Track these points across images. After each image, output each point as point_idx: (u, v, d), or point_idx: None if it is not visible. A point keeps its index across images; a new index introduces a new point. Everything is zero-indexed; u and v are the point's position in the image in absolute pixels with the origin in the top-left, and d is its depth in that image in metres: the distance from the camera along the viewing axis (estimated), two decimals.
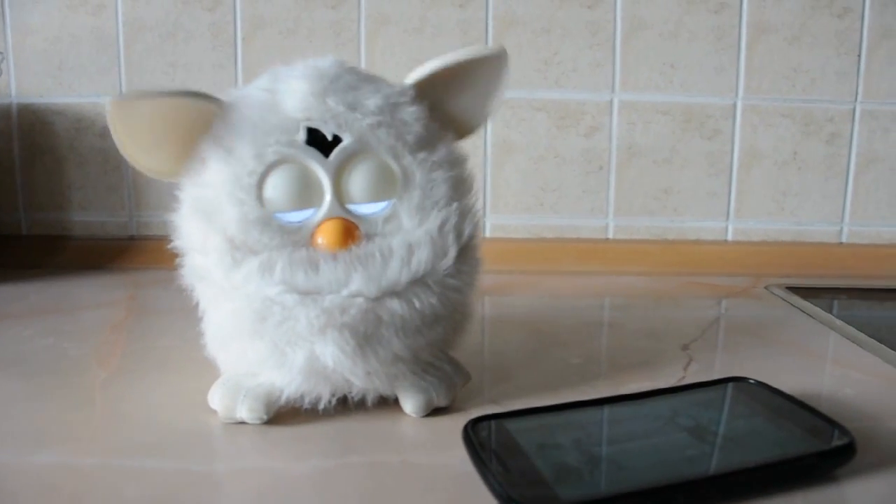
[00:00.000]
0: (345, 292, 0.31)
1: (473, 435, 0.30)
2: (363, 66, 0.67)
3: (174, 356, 0.43)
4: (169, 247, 0.35)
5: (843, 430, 0.30)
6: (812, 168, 0.69)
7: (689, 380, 0.40)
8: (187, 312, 0.36)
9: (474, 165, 0.67)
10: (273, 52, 0.67)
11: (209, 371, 0.36)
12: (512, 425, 0.31)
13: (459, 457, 0.29)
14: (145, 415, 0.35)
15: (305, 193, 0.33)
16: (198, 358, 0.36)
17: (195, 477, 0.29)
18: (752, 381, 0.36)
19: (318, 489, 0.28)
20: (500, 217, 0.70)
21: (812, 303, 0.57)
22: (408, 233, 0.33)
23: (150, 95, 0.33)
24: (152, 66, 0.68)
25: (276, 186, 0.32)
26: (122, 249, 0.69)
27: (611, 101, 0.68)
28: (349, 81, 0.33)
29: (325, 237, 0.32)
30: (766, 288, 0.62)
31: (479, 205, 0.37)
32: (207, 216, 0.33)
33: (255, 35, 0.67)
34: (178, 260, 0.35)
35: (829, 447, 0.29)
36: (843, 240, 0.70)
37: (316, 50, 0.67)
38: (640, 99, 0.68)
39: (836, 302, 0.61)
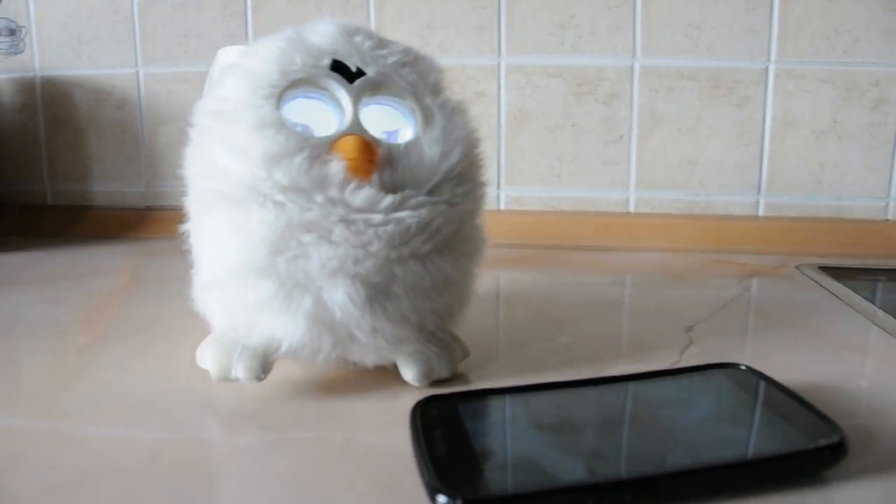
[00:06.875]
0: (362, 249, 0.30)
1: (419, 416, 0.28)
2: None
3: (161, 324, 0.43)
4: (177, 172, 0.34)
5: (835, 427, 0.27)
6: (854, 137, 0.64)
7: (683, 364, 0.37)
8: (189, 282, 0.35)
9: (487, 135, 0.66)
10: (283, 21, 0.66)
11: (193, 340, 0.35)
12: (463, 407, 0.29)
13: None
14: (111, 381, 0.35)
15: (326, 112, 0.32)
16: (184, 327, 0.35)
17: (134, 444, 0.29)
18: (742, 367, 0.33)
19: (256, 462, 0.27)
20: (515, 189, 0.67)
21: (846, 285, 0.52)
22: (430, 174, 0.32)
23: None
24: (165, 37, 0.68)
25: (298, 102, 0.32)
26: (140, 219, 0.70)
27: (631, 67, 0.65)
28: (374, 32, 0.34)
29: (344, 149, 0.31)
30: (796, 268, 0.58)
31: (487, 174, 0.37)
32: (222, 127, 0.31)
33: (265, 4, 0.66)
34: (183, 190, 0.34)
35: (815, 446, 0.26)
36: (889, 216, 0.65)
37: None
38: (662, 64, 0.64)
39: (878, 284, 0.56)
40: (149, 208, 0.71)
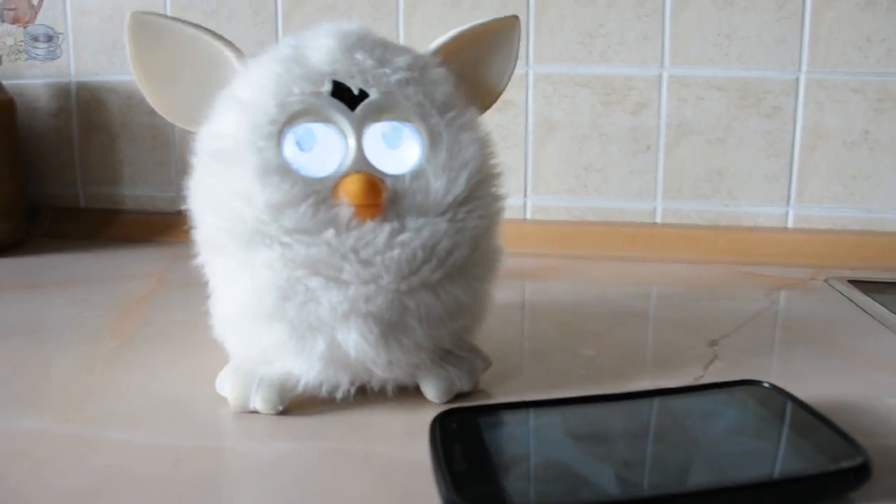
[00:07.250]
0: (372, 285, 0.30)
1: (439, 429, 0.28)
2: (402, 41, 0.65)
3: (188, 329, 0.43)
4: (182, 209, 0.35)
5: (858, 449, 0.26)
6: (886, 149, 0.62)
7: (706, 380, 0.37)
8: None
9: (514, 144, 0.66)
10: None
11: (219, 347, 0.35)
12: (483, 421, 0.29)
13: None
14: (136, 386, 0.35)
15: (329, 146, 0.32)
16: (211, 333, 0.35)
17: (157, 450, 0.29)
18: (766, 384, 0.32)
19: (282, 473, 0.28)
20: (541, 198, 0.67)
21: (876, 299, 0.51)
22: (436, 207, 0.31)
23: (170, 19, 0.33)
24: None
25: (300, 129, 0.31)
26: (170, 223, 0.70)
27: (660, 76, 0.64)
28: (377, 40, 0.33)
29: (348, 190, 0.30)
30: (825, 281, 0.57)
31: (503, 185, 0.35)
32: (225, 168, 0.31)
33: (296, 11, 0.67)
34: (190, 229, 0.34)
35: (837, 467, 0.26)
36: None
37: None
38: (691, 73, 0.63)
39: None
40: (179, 213, 0.72)
